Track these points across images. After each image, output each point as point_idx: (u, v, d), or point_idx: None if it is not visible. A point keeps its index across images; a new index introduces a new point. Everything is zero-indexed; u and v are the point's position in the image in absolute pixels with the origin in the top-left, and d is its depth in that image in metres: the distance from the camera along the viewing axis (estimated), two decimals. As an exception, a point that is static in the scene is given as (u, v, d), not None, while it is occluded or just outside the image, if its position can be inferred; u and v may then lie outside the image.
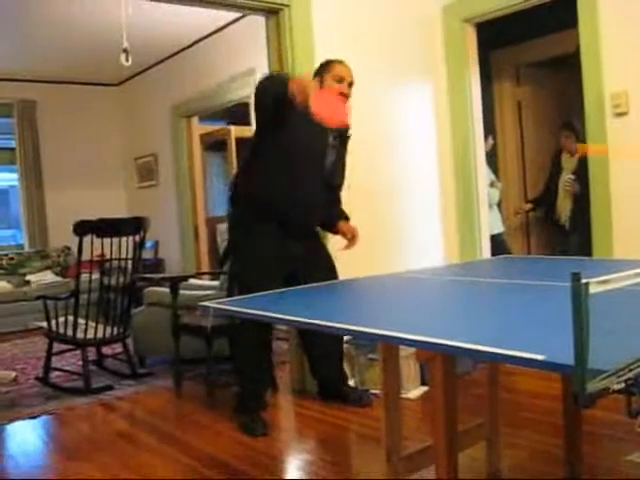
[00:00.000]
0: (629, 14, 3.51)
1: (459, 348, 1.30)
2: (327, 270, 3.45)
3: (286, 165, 3.20)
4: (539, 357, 1.12)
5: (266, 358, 3.52)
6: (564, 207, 5.43)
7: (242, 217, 3.35)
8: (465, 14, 4.34)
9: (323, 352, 3.64)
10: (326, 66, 3.31)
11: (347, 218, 3.59)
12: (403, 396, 3.37)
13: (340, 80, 3.24)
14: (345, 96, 3.24)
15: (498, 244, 5.18)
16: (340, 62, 3.33)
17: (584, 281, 1.00)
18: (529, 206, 5.97)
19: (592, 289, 1.00)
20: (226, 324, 3.81)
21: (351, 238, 3.53)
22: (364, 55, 4.11)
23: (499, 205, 5.70)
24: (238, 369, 3.49)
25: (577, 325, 0.99)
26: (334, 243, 3.68)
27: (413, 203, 4.38)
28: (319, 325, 1.68)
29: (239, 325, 3.36)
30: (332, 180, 3.44)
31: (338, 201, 3.58)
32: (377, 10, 4.23)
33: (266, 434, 3.20)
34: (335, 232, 3.60)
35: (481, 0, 4.23)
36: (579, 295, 0.99)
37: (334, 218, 3.56)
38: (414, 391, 3.73)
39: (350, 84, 3.30)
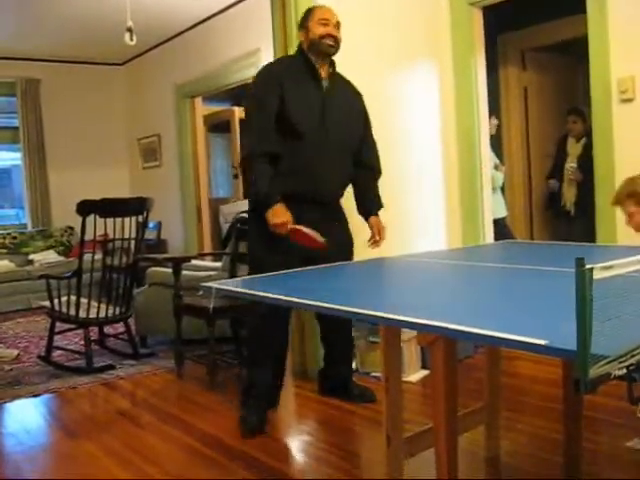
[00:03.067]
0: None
1: (461, 332, 1.30)
2: (343, 252, 3.15)
3: (293, 141, 2.99)
4: (542, 342, 1.11)
5: (281, 353, 3.24)
6: (569, 193, 5.42)
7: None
8: (473, -3, 4.30)
9: (341, 351, 3.49)
10: (308, 14, 3.15)
11: (379, 208, 3.35)
12: (404, 379, 3.38)
13: (325, 23, 3.07)
14: (333, 38, 3.07)
15: (501, 228, 5.16)
16: (321, 6, 3.21)
17: (588, 267, 0.99)
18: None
19: (596, 275, 1.00)
20: (228, 305, 3.82)
21: (376, 234, 3.30)
22: (370, 36, 4.08)
23: (502, 189, 5.67)
24: (247, 358, 3.27)
25: (580, 311, 0.98)
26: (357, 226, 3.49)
27: (416, 186, 4.36)
28: (320, 307, 1.68)
29: (252, 308, 3.10)
30: (361, 157, 3.27)
31: (372, 187, 3.36)
32: None
33: (254, 435, 2.98)
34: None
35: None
36: (583, 281, 0.98)
37: (367, 206, 3.34)
38: (415, 374, 3.74)
39: (337, 25, 3.12)
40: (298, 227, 2.86)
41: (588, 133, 4.58)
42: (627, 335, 1.10)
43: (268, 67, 3.17)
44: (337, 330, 3.44)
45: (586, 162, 4.78)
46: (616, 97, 3.57)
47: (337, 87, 3.18)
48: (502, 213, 5.46)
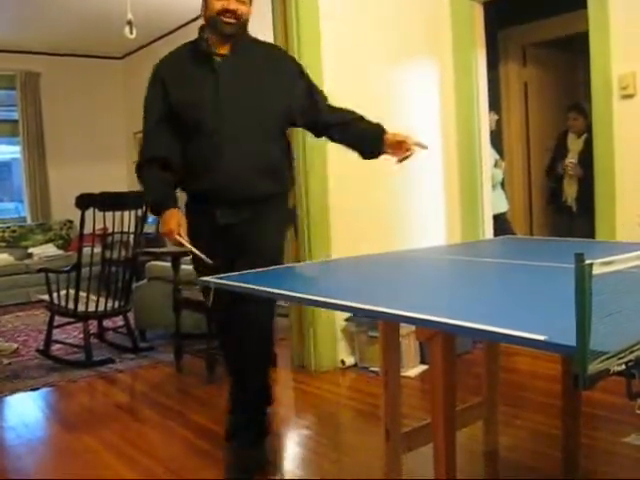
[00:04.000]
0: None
1: (460, 327, 1.30)
2: (262, 260, 2.42)
3: (192, 139, 2.54)
4: (541, 337, 1.11)
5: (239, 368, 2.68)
6: (570, 189, 5.41)
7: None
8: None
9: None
10: None
11: (381, 129, 2.61)
12: (402, 374, 3.38)
13: None
14: (233, 13, 2.51)
15: (502, 223, 5.16)
16: None
17: (588, 262, 0.99)
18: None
19: (595, 270, 1.00)
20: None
21: (402, 144, 2.53)
22: (370, 30, 4.08)
23: (502, 184, 5.67)
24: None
25: (580, 306, 0.98)
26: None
27: (415, 182, 4.34)
28: (320, 302, 1.68)
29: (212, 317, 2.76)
30: (323, 122, 2.68)
31: (363, 127, 2.65)
32: None
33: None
34: (379, 153, 2.63)
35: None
36: (582, 276, 0.98)
37: (372, 144, 2.62)
38: (413, 369, 3.75)
39: None
40: (182, 240, 2.48)
41: (589, 129, 4.56)
42: (626, 331, 1.10)
43: (156, 64, 2.67)
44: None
45: (587, 158, 4.77)
46: (617, 93, 3.56)
47: (241, 61, 2.58)
48: (503, 208, 5.45)
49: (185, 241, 2.47)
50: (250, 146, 2.51)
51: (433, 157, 4.47)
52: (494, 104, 5.29)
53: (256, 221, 2.56)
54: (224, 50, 2.56)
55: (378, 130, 2.61)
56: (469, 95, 4.37)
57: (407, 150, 2.54)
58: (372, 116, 2.72)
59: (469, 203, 4.45)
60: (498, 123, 5.61)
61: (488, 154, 4.60)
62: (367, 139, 2.63)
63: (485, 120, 4.48)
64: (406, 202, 4.31)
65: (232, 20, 2.51)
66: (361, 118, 2.68)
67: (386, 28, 4.17)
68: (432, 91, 4.47)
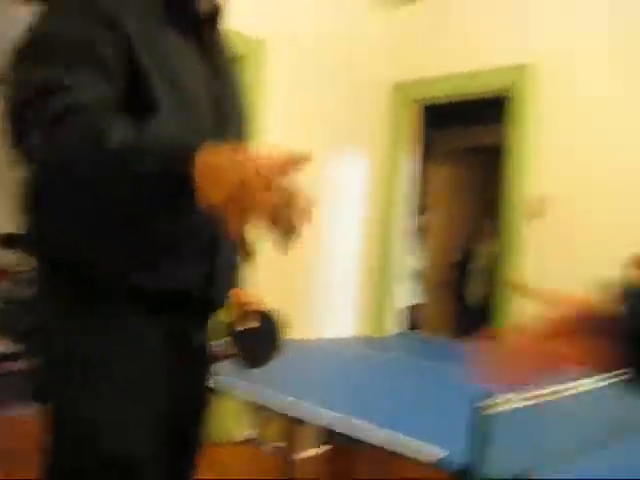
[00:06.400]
0: (556, 120, 3.78)
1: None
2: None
3: None
4: (434, 456, 1.20)
5: None
6: (476, 289, 5.66)
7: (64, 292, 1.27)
8: (412, 95, 4.57)
9: None
10: None
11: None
12: (302, 454, 3.41)
13: None
14: None
15: (413, 316, 5.32)
16: None
17: (483, 403, 1.12)
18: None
19: (491, 410, 1.13)
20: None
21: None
22: (307, 116, 4.15)
23: (417, 276, 5.89)
24: None
25: (472, 439, 1.10)
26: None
27: (330, 269, 4.40)
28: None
29: None
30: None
31: None
32: (326, 75, 4.26)
33: None
34: None
35: (431, 83, 4.45)
36: (477, 416, 1.11)
37: None
38: (313, 450, 3.78)
39: None
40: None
41: (499, 234, 4.85)
42: (515, 461, 1.17)
43: None
44: None
45: (495, 262, 5.06)
46: (527, 212, 3.83)
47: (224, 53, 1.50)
48: (415, 300, 5.64)
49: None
50: None
51: (351, 243, 4.58)
52: (417, 200, 5.55)
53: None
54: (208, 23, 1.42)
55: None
56: (396, 192, 4.61)
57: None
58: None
59: (381, 295, 4.60)
60: (420, 219, 5.89)
61: (407, 246, 4.81)
62: None
63: (407, 215, 4.72)
64: (319, 287, 4.35)
65: None
66: None
67: (324, 116, 4.26)
68: (360, 179, 4.61)
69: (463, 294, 5.85)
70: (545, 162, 3.81)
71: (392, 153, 4.63)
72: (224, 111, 1.39)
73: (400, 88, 4.59)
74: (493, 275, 5.16)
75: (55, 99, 1.11)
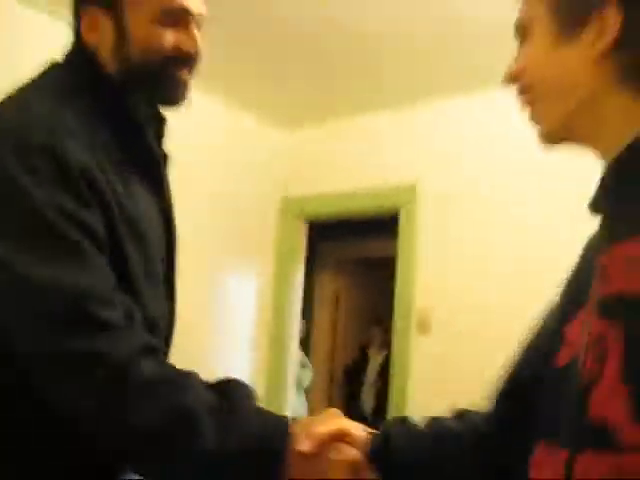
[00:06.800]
0: (443, 235, 3.91)
1: None
2: None
3: None
4: None
5: None
6: (368, 399, 5.67)
7: None
8: (301, 211, 4.64)
9: None
10: None
11: None
12: None
13: (178, 15, 1.16)
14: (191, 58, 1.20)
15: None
16: None
17: None
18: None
19: None
20: None
21: None
22: (194, 230, 4.05)
23: (306, 389, 5.84)
24: None
25: None
26: None
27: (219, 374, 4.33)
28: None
29: None
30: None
31: None
32: (215, 186, 4.26)
33: None
34: None
35: (317, 201, 4.55)
36: None
37: None
38: None
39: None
40: None
41: (389, 344, 4.91)
42: None
43: (37, 134, 1.03)
44: None
45: (386, 372, 5.09)
46: (415, 326, 3.90)
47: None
48: (303, 414, 5.57)
49: None
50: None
51: (242, 359, 4.51)
52: (306, 310, 5.57)
53: None
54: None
55: None
56: (285, 304, 4.58)
57: None
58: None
59: (275, 407, 4.52)
60: (308, 328, 5.89)
61: (296, 359, 4.78)
62: None
63: (297, 327, 4.70)
64: None
65: (188, 75, 1.22)
66: None
67: (212, 227, 4.26)
68: (249, 295, 4.60)
69: (356, 404, 5.82)
70: (432, 275, 3.91)
71: (280, 266, 4.65)
72: (171, 241, 1.30)
73: (288, 203, 4.67)
74: (386, 385, 5.19)
75: (96, 319, 0.94)
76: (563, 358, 0.78)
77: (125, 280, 1.06)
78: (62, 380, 0.94)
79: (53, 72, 1.17)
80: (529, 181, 3.62)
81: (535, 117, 0.88)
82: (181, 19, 1.16)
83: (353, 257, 6.70)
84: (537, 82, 0.85)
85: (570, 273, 0.92)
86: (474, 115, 3.92)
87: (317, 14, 3.29)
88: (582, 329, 0.75)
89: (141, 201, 1.17)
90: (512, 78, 0.89)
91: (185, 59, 1.18)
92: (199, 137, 4.16)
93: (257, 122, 4.61)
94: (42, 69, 1.18)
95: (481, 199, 3.80)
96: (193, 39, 1.18)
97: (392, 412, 3.97)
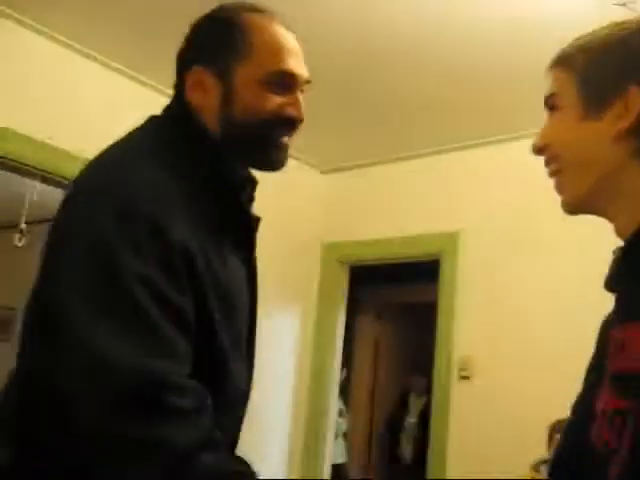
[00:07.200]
0: (484, 283, 3.92)
1: None
2: None
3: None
4: None
5: None
6: (408, 446, 5.62)
7: None
8: (342, 256, 4.70)
9: None
10: (230, 35, 1.17)
11: None
12: None
13: (289, 81, 1.18)
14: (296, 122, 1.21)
15: (340, 474, 5.22)
16: (268, 15, 1.21)
17: None
18: None
19: None
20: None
21: None
22: None
23: (345, 435, 5.82)
24: None
25: None
26: None
27: (259, 424, 4.31)
28: None
29: None
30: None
31: None
32: (262, 234, 4.40)
33: None
34: None
35: (358, 246, 4.60)
36: None
37: None
38: None
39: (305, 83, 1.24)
40: None
41: (429, 390, 4.88)
42: None
43: (132, 200, 1.03)
44: None
45: (426, 418, 5.05)
46: (456, 373, 3.89)
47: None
48: (341, 459, 5.55)
49: None
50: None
51: (282, 400, 4.54)
52: (346, 355, 5.58)
53: None
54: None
55: None
56: (327, 348, 4.61)
57: None
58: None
59: (312, 450, 4.51)
60: (347, 375, 5.89)
61: (336, 405, 4.77)
62: None
63: (337, 372, 4.70)
64: (247, 438, 4.27)
65: (289, 140, 1.24)
66: None
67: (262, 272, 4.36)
68: (291, 338, 4.65)
69: (395, 451, 5.77)
70: (473, 323, 3.91)
71: (322, 310, 4.69)
72: (254, 305, 1.30)
73: (330, 249, 4.73)
74: (425, 431, 5.14)
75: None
76: (594, 435, 0.78)
77: (213, 357, 1.07)
78: (123, 463, 0.92)
79: (153, 130, 1.17)
80: (570, 231, 3.62)
81: (558, 187, 0.92)
82: (287, 83, 1.17)
83: (394, 302, 6.69)
84: (561, 154, 0.89)
85: (595, 348, 0.94)
86: (518, 162, 3.93)
87: (352, 63, 3.41)
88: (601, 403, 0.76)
89: (235, 273, 1.17)
90: (539, 149, 0.93)
91: (288, 123, 1.19)
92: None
93: (298, 168, 4.71)
94: (141, 125, 1.18)
95: (522, 248, 3.81)
96: (297, 104, 1.18)
97: (432, 459, 3.94)
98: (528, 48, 3.03)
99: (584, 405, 0.90)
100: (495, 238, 3.93)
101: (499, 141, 3.99)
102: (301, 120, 1.20)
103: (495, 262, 3.91)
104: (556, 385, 3.42)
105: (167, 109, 1.22)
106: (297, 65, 1.19)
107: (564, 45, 0.93)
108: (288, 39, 1.18)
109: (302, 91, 1.21)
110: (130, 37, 3.33)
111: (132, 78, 3.65)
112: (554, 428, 3.00)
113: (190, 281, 1.02)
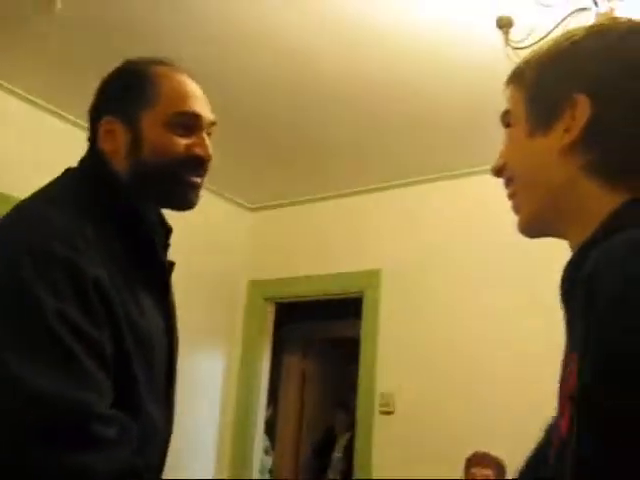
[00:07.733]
0: (406, 318, 4.02)
1: None
2: None
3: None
4: None
5: None
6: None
7: None
8: (267, 292, 4.74)
9: None
10: (138, 86, 1.25)
11: None
12: None
13: (190, 120, 1.25)
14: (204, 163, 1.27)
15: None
16: (175, 67, 1.30)
17: None
18: None
19: None
20: None
21: None
22: None
23: (270, 471, 5.79)
24: None
25: None
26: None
27: (183, 461, 4.19)
28: None
29: None
30: None
31: None
32: (184, 270, 4.35)
33: None
34: None
35: (283, 283, 4.66)
36: None
37: None
38: None
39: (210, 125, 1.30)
40: None
41: (354, 425, 4.93)
42: None
43: (42, 242, 1.08)
44: None
45: (351, 453, 5.08)
46: (378, 408, 3.96)
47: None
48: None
49: None
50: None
51: (205, 443, 4.48)
52: (272, 393, 5.57)
53: None
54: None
55: None
56: (251, 386, 4.61)
57: None
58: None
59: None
60: (273, 411, 5.88)
61: (261, 442, 4.76)
62: None
63: (262, 411, 4.70)
64: None
65: (199, 179, 1.29)
66: None
67: (180, 314, 4.33)
68: (215, 376, 4.62)
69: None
70: (396, 358, 4.00)
71: (247, 347, 4.70)
72: (172, 348, 1.32)
73: (255, 286, 4.76)
74: (350, 466, 5.17)
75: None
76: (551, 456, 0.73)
77: (130, 396, 1.10)
78: None
79: (69, 180, 1.23)
80: (491, 266, 3.76)
81: (515, 209, 0.87)
82: (192, 124, 1.24)
83: (320, 338, 6.73)
84: (516, 174, 0.86)
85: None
86: (436, 201, 4.09)
87: (274, 100, 3.49)
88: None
89: (150, 314, 1.21)
90: (497, 170, 0.89)
91: (196, 163, 1.25)
92: (170, 218, 4.27)
93: (225, 204, 4.75)
94: (57, 177, 1.25)
95: (443, 284, 3.94)
96: (203, 144, 1.25)
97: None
98: (434, 96, 3.20)
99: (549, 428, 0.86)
100: (415, 276, 4.05)
101: (415, 182, 4.15)
102: (208, 159, 1.26)
103: (416, 299, 4.02)
104: (476, 419, 3.54)
105: (81, 160, 1.28)
106: (201, 107, 1.26)
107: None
108: (193, 86, 1.27)
109: (209, 133, 1.28)
110: (49, 72, 3.33)
111: (53, 113, 3.65)
112: (470, 461, 3.10)
113: (107, 318, 1.07)
